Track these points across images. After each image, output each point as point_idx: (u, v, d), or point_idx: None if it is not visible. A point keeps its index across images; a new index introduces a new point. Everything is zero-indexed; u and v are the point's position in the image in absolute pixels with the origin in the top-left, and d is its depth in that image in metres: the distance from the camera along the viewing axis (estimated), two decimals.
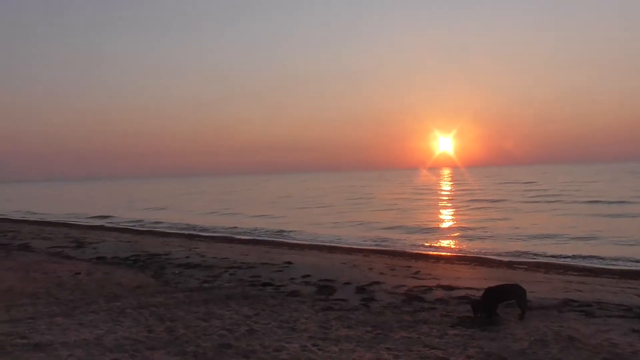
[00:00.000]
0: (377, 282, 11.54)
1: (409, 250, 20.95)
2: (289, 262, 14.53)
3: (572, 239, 22.35)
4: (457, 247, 22.00)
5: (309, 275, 12.42)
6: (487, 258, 18.16)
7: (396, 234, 26.40)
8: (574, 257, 17.83)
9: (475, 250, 20.53)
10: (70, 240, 20.80)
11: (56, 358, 6.39)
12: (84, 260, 15.50)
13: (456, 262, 17.01)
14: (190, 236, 26.23)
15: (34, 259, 15.69)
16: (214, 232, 29.12)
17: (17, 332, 7.52)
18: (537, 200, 44.32)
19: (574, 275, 14.09)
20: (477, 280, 12.17)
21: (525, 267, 15.93)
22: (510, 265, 16.39)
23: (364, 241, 24.04)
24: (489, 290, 8.46)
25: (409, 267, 14.82)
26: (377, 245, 22.65)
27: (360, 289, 10.76)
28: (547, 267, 15.71)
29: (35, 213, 47.95)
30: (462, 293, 10.14)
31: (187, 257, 15.90)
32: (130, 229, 30.50)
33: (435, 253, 20.20)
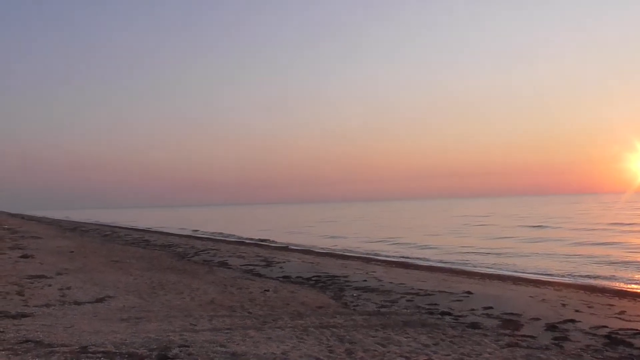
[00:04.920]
0: (572, 320, 10.32)
1: (610, 285, 18.39)
2: (469, 292, 13.84)
3: None
4: None
5: (490, 307, 11.66)
6: None
7: (594, 266, 23.41)
8: None
9: None
10: (260, 259, 22.75)
11: None
12: (271, 279, 16.81)
13: None
14: (368, 259, 26.72)
15: (230, 275, 17.53)
16: (388, 256, 29.25)
17: (217, 340, 8.40)
18: None
19: None
20: None
21: None
22: None
23: (555, 273, 21.81)
24: None
25: (611, 305, 12.97)
26: (571, 278, 20.36)
27: (552, 327, 9.74)
28: None
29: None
30: None
31: (365, 280, 16.18)
32: (312, 251, 32.21)
33: None
